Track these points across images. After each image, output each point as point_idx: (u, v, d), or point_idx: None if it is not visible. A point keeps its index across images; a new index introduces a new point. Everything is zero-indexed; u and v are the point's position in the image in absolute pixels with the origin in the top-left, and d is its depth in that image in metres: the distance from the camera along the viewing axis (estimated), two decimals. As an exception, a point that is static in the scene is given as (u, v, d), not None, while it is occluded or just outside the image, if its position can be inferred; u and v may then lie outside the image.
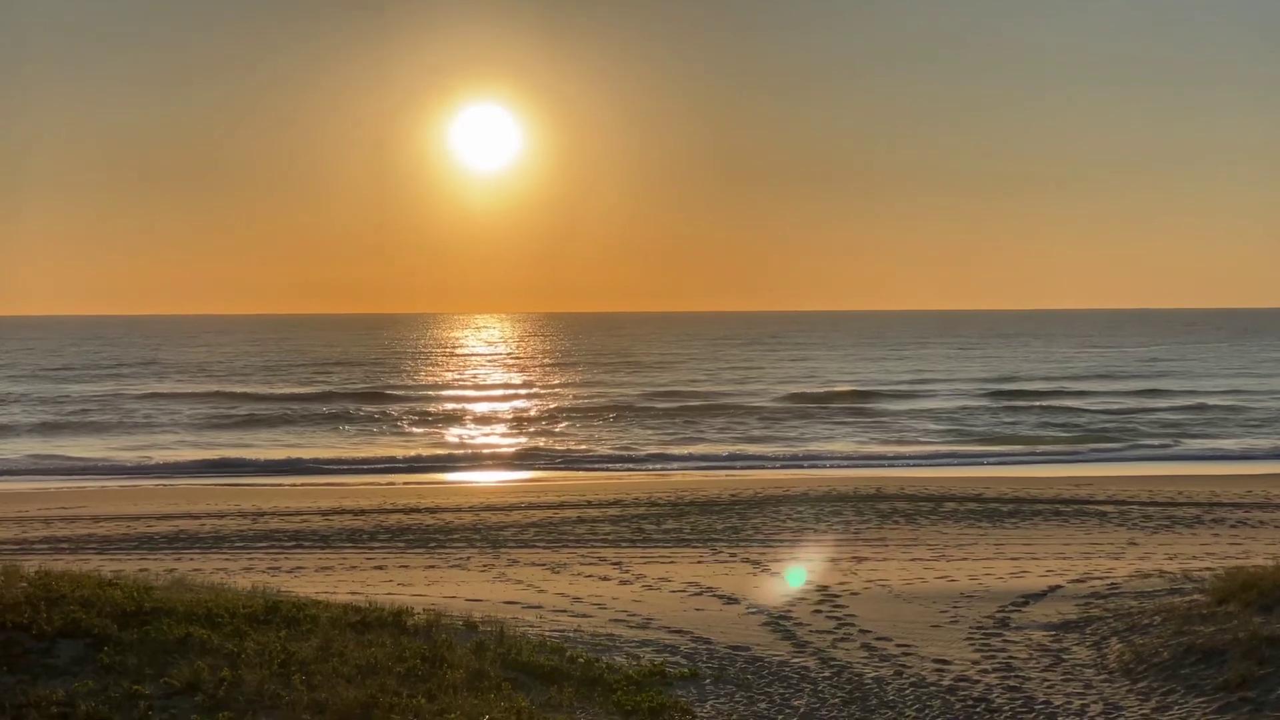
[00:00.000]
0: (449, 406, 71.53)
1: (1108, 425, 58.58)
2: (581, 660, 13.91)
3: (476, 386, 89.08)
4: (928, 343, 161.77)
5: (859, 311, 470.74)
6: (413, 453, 49.56)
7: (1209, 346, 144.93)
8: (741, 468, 44.70)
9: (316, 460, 47.05)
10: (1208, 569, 20.15)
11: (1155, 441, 52.46)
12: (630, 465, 45.63)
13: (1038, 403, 69.79)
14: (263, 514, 30.55)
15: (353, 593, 19.03)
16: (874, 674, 14.30)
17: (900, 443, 51.85)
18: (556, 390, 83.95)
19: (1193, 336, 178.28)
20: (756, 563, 22.75)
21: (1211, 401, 69.38)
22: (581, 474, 43.41)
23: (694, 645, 15.64)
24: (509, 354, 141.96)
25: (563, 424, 60.78)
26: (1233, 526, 27.40)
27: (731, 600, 18.67)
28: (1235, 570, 17.53)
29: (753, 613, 17.69)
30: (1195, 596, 16.99)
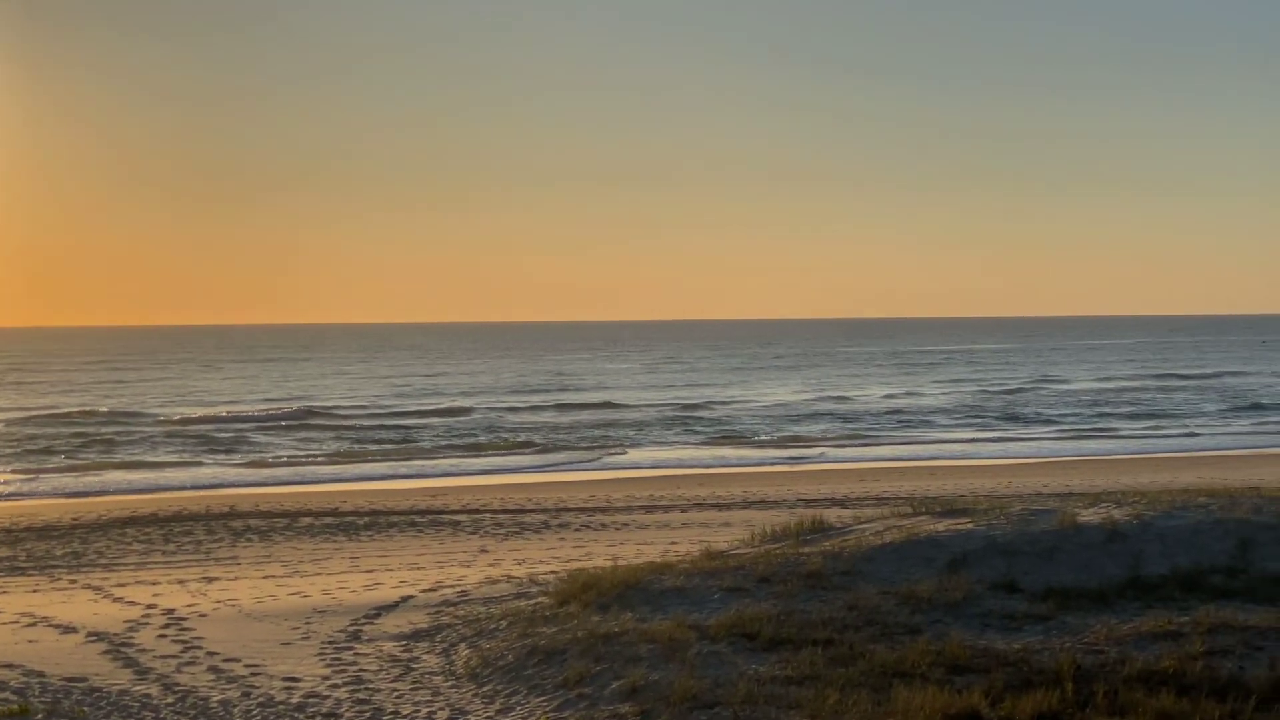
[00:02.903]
0: None
1: (463, 439, 60.06)
2: (-112, 706, 12.59)
3: None
4: (312, 358, 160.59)
5: (238, 326, 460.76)
6: None
7: (590, 359, 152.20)
8: (92, 493, 42.27)
9: None
10: (552, 572, 20.91)
11: (526, 454, 54.19)
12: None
13: (363, 420, 70.63)
14: None
15: None
16: (221, 697, 13.80)
17: (259, 465, 50.63)
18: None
19: (570, 351, 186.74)
20: (99, 589, 21.52)
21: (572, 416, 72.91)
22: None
23: (25, 679, 14.56)
24: None
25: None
26: (577, 530, 28.62)
27: (69, 629, 17.54)
28: (577, 572, 18.28)
29: (92, 641, 16.68)
30: (540, 599, 17.55)
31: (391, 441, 58.35)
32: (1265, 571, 16.68)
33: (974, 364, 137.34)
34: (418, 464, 49.68)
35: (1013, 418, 70.14)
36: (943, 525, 18.85)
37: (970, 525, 18.58)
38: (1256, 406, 75.39)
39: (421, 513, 31.64)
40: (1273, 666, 12.75)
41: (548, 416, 72.44)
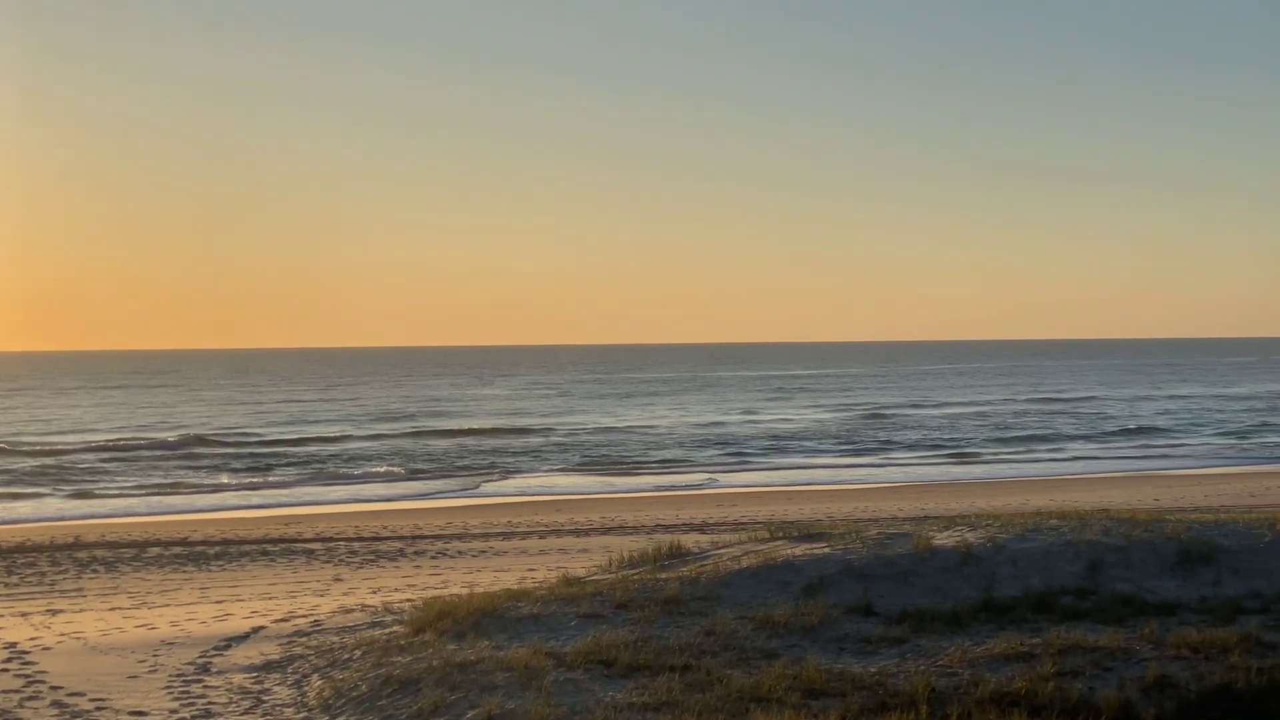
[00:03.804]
0: None
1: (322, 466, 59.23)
2: None
3: None
4: (168, 385, 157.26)
5: (91, 351, 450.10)
6: None
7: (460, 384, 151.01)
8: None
9: None
10: (408, 600, 20.62)
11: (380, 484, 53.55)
12: None
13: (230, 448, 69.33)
14: None
15: None
16: (62, 733, 13.37)
17: (105, 495, 49.20)
18: None
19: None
20: (-65, 622, 20.77)
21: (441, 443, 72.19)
22: None
23: None
24: None
25: None
26: (434, 558, 28.31)
27: (-97, 666, 16.88)
28: (433, 600, 18.03)
29: (-74, 678, 16.07)
30: (395, 628, 17.27)
31: (252, 470, 57.29)
32: (1114, 593, 16.97)
33: (845, 389, 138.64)
34: (272, 493, 48.86)
35: (882, 442, 70.79)
36: (799, 550, 18.92)
37: (827, 549, 18.67)
38: (1122, 432, 76.96)
39: (274, 541, 31.08)
40: (1121, 687, 12.95)
41: (421, 443, 71.36)
